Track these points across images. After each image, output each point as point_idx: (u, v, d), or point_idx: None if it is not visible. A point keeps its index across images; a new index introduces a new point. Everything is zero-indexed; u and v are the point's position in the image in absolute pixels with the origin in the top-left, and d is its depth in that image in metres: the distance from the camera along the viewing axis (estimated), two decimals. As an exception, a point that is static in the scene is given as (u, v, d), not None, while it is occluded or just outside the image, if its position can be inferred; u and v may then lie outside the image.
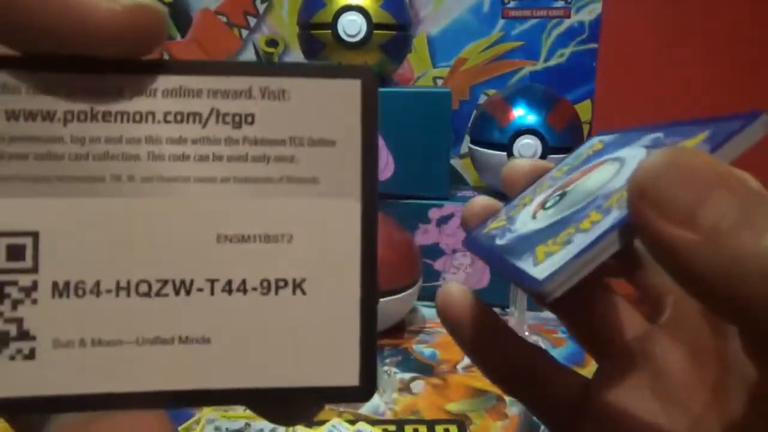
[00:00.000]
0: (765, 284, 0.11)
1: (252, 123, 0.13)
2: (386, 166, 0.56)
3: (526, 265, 0.15)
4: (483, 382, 0.46)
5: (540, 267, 0.15)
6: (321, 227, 0.13)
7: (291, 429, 0.41)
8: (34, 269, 0.12)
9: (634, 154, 0.17)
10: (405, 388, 0.46)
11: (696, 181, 0.12)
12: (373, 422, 0.41)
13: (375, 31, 0.54)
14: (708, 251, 0.11)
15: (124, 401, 0.13)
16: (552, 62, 0.69)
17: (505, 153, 0.55)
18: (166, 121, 0.13)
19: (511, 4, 0.67)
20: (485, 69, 0.70)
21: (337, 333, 0.13)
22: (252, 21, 0.69)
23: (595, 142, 0.20)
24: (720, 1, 0.73)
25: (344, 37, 0.53)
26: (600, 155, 0.18)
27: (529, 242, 0.17)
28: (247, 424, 0.40)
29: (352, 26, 0.53)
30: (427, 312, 0.58)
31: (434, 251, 0.58)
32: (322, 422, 0.41)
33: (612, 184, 0.16)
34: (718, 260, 0.11)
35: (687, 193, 0.12)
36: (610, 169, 0.17)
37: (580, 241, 0.14)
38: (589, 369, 0.19)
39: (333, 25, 0.53)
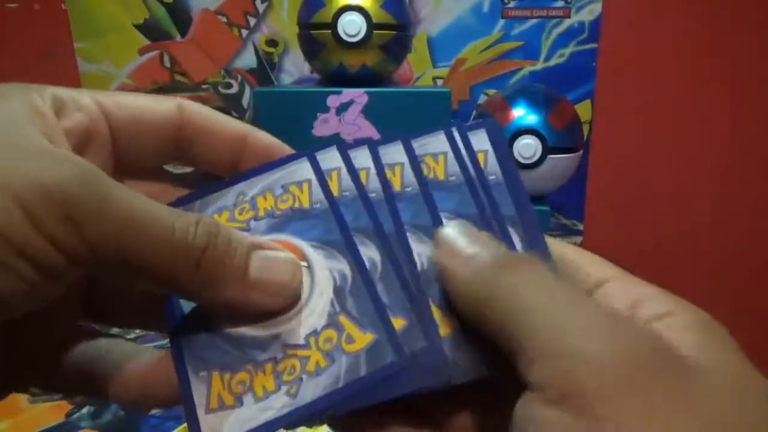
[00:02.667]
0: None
1: None
2: (386, 166, 0.56)
3: (198, 401, 0.16)
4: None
5: (217, 415, 0.16)
6: None
7: (291, 429, 0.40)
8: None
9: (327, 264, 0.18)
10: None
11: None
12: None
13: (375, 31, 0.54)
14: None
15: None
16: (552, 62, 0.69)
17: (505, 153, 0.55)
18: None
19: (511, 4, 0.67)
20: (485, 69, 0.70)
21: None
22: (252, 21, 0.69)
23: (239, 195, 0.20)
24: (720, 1, 0.73)
25: (344, 37, 0.53)
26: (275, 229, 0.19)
27: (207, 347, 0.18)
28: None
29: (352, 26, 0.53)
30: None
31: (434, 251, 0.58)
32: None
33: (315, 307, 0.18)
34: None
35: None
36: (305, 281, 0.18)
37: (287, 402, 0.16)
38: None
39: (333, 25, 0.53)
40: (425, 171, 0.20)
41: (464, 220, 0.19)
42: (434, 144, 0.21)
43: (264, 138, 0.21)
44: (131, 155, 0.19)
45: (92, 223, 0.14)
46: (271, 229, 0.19)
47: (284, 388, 0.16)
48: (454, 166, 0.20)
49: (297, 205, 0.19)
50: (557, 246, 0.20)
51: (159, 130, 0.19)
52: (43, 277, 0.14)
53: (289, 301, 0.17)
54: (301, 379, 0.16)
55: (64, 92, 0.18)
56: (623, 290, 0.17)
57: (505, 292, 0.15)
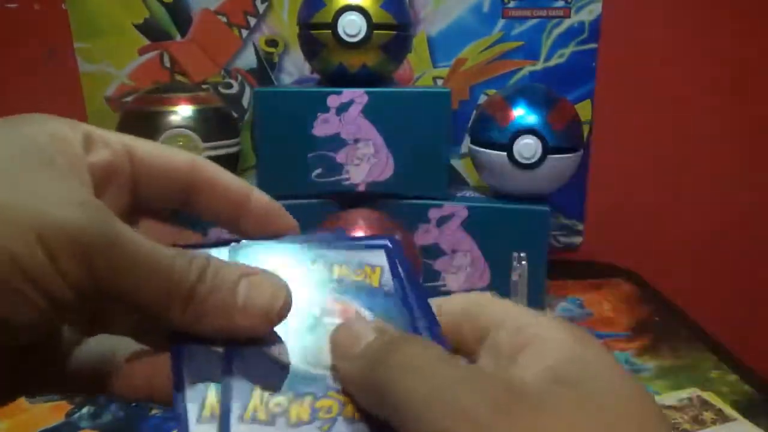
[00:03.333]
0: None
1: None
2: (386, 166, 0.56)
3: (191, 412, 0.17)
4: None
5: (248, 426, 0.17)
6: None
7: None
8: None
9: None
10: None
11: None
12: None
13: (375, 31, 0.54)
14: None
15: None
16: (552, 62, 0.69)
17: (505, 153, 0.55)
18: None
19: (511, 4, 0.67)
20: (485, 69, 0.70)
21: None
22: (252, 21, 0.69)
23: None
24: (721, 1, 0.73)
25: (344, 37, 0.53)
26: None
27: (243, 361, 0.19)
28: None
29: (352, 26, 0.53)
30: (427, 312, 0.58)
31: (434, 251, 0.58)
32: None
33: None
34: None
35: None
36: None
37: None
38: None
39: (333, 25, 0.53)
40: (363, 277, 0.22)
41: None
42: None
43: (263, 198, 0.23)
44: (148, 196, 0.21)
45: (101, 262, 0.16)
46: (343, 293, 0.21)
47: (317, 423, 0.17)
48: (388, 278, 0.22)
49: (368, 281, 0.22)
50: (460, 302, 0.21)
51: (174, 178, 0.21)
52: (52, 308, 0.16)
53: (276, 322, 0.19)
54: (335, 420, 0.17)
55: (95, 130, 0.20)
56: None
57: (388, 379, 0.16)
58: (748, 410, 0.45)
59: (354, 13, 0.53)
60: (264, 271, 0.19)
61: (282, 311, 0.19)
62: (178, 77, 0.70)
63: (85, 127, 0.19)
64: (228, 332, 0.18)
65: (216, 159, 0.55)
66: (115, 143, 0.20)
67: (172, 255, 0.17)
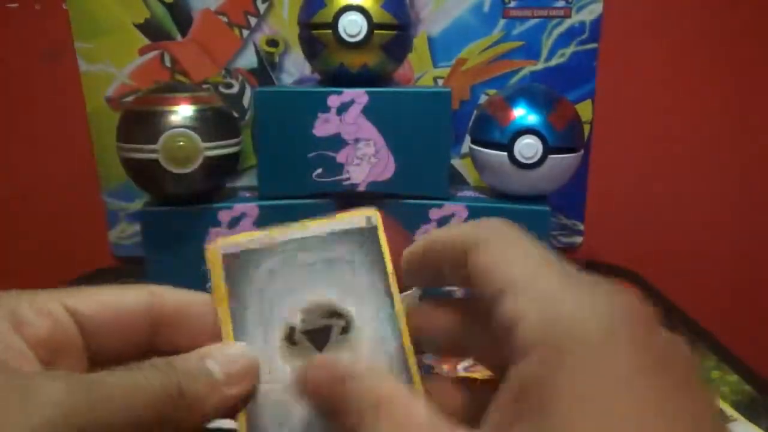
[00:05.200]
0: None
1: None
2: (386, 166, 0.56)
3: None
4: (483, 382, 0.46)
5: None
6: None
7: None
8: None
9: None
10: (405, 388, 0.46)
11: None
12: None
13: (375, 31, 0.54)
14: None
15: None
16: (553, 62, 0.69)
17: (506, 153, 0.55)
18: None
19: (512, 4, 0.67)
20: (486, 69, 0.70)
21: None
22: (252, 21, 0.69)
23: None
24: (721, 1, 0.73)
25: (345, 37, 0.53)
26: None
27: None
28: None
29: (352, 26, 0.53)
30: (428, 312, 0.58)
31: (434, 251, 0.58)
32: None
33: None
34: None
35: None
36: None
37: None
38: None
39: (333, 24, 0.53)
40: None
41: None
42: None
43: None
44: (106, 351, 0.20)
45: (87, 426, 0.16)
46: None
47: None
48: None
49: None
50: (498, 246, 0.20)
51: (131, 324, 0.21)
52: None
53: (256, 374, 0.21)
54: None
55: (24, 304, 0.19)
56: (507, 308, 0.17)
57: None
58: (748, 410, 0.45)
59: (354, 13, 0.53)
60: (220, 343, 0.21)
61: (255, 365, 0.20)
62: (179, 77, 0.70)
63: (13, 307, 0.19)
64: (222, 407, 0.20)
65: (216, 159, 0.55)
66: (55, 311, 0.19)
67: (142, 378, 0.18)
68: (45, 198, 0.74)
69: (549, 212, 0.56)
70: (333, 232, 0.23)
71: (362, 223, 0.23)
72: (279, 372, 0.21)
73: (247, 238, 0.23)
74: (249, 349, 0.21)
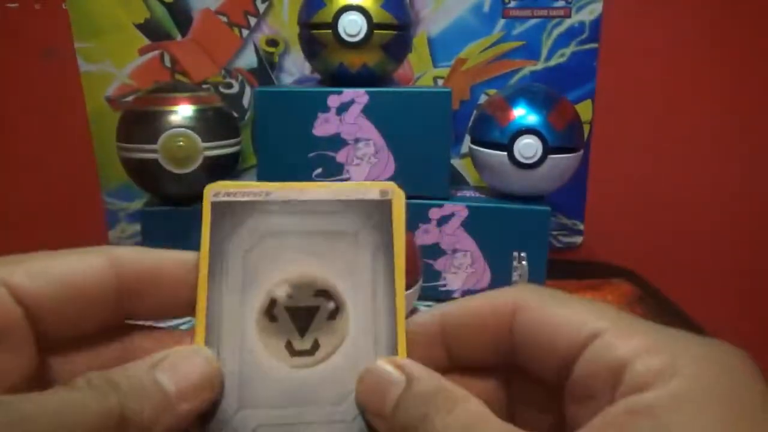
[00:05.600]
0: None
1: None
2: (386, 166, 0.56)
3: None
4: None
5: None
6: None
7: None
8: None
9: None
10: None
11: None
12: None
13: (375, 31, 0.54)
14: None
15: None
16: (552, 62, 0.69)
17: (506, 153, 0.55)
18: None
19: (512, 4, 0.67)
20: (486, 69, 0.70)
21: None
22: (252, 21, 0.69)
23: None
24: (721, 1, 0.73)
25: (345, 37, 0.53)
26: None
27: None
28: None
29: (352, 26, 0.53)
30: (428, 312, 0.58)
31: (434, 251, 0.58)
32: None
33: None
34: None
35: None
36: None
37: None
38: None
39: (333, 24, 0.53)
40: None
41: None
42: None
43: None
44: (62, 331, 0.18)
45: None
46: None
47: None
48: None
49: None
50: (552, 304, 0.18)
51: (88, 299, 0.18)
52: None
53: (219, 386, 0.18)
54: None
55: None
56: (614, 345, 0.16)
57: None
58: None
59: (354, 13, 0.53)
60: (171, 349, 0.18)
61: (219, 373, 0.18)
62: (179, 77, 0.70)
63: None
64: (180, 424, 0.17)
65: (216, 159, 0.56)
66: None
67: (75, 404, 0.15)
68: (45, 198, 0.74)
69: (549, 212, 0.56)
70: (340, 201, 0.20)
71: (375, 195, 0.20)
72: (250, 349, 0.18)
73: (242, 188, 0.20)
74: (210, 353, 0.18)
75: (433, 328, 0.19)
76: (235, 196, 0.20)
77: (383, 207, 0.20)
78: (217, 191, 0.20)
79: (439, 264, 0.58)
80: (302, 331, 0.19)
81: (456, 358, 0.19)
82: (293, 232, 0.20)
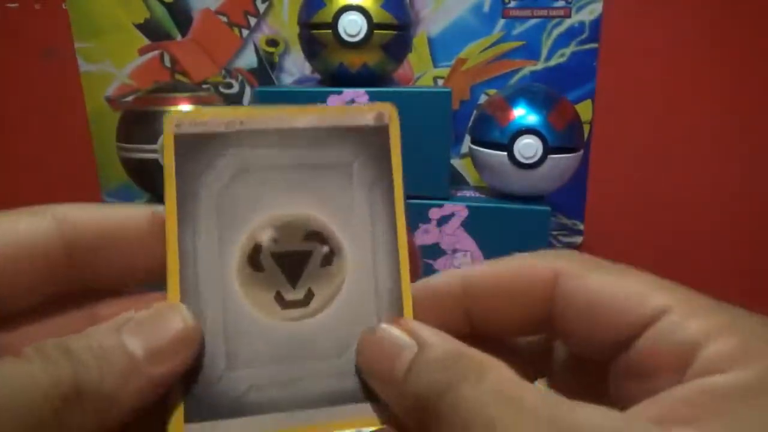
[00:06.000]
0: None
1: None
2: (386, 166, 0.56)
3: None
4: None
5: None
6: None
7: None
8: None
9: None
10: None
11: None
12: (374, 422, 0.41)
13: (375, 31, 0.54)
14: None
15: None
16: (552, 62, 0.69)
17: (506, 153, 0.55)
18: None
19: (512, 4, 0.67)
20: (486, 69, 0.70)
21: None
22: (252, 21, 0.69)
23: None
24: (721, 1, 0.73)
25: (345, 37, 0.53)
26: None
27: None
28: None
29: (352, 26, 0.53)
30: (428, 312, 0.58)
31: (434, 251, 0.58)
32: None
33: None
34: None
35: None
36: None
37: None
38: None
39: (333, 24, 0.53)
40: None
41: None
42: None
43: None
44: (5, 301, 0.16)
45: None
46: None
47: None
48: None
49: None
50: (602, 274, 0.17)
51: (31, 266, 0.16)
52: None
53: (198, 344, 0.16)
54: None
55: None
56: (684, 325, 0.15)
57: (454, 409, 0.14)
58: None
59: (354, 13, 0.53)
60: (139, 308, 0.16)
61: (197, 330, 0.16)
62: (179, 77, 0.70)
63: None
64: (149, 392, 0.15)
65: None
66: None
67: (24, 378, 0.13)
68: (45, 198, 0.74)
69: (549, 212, 0.56)
70: (329, 128, 0.17)
71: (370, 121, 0.18)
72: (234, 303, 0.16)
73: (211, 116, 0.17)
74: (185, 308, 0.16)
75: (453, 291, 0.17)
76: (203, 127, 0.17)
77: (380, 133, 0.18)
78: (180, 121, 0.17)
79: (439, 264, 0.58)
80: (293, 280, 0.17)
81: (479, 327, 0.18)
82: (275, 166, 0.17)
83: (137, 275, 0.17)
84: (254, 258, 0.17)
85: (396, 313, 0.17)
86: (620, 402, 0.15)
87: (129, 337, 0.15)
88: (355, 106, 0.18)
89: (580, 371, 0.18)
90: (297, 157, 0.17)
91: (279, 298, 0.17)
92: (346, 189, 0.17)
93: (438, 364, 0.15)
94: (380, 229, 0.17)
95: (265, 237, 0.17)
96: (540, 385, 0.17)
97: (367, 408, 0.16)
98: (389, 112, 0.18)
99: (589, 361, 0.17)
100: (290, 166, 0.17)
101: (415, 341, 0.15)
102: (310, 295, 0.17)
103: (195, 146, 0.17)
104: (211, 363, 0.16)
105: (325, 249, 0.17)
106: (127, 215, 0.17)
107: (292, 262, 0.17)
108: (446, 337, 0.15)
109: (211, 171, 0.17)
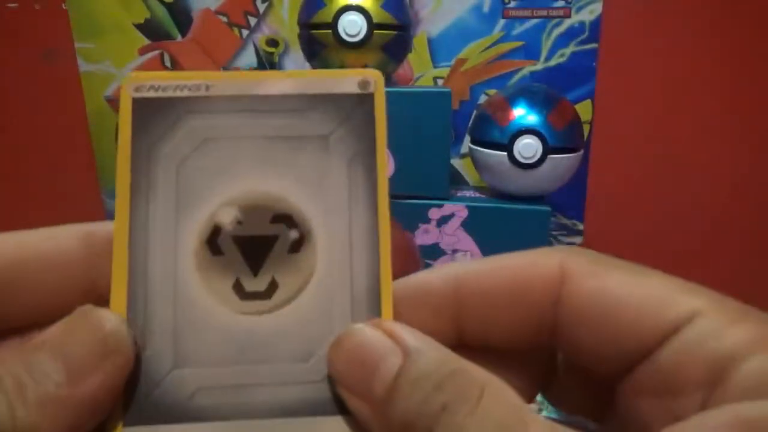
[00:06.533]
0: None
1: None
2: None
3: None
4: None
5: None
6: None
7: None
8: None
9: None
10: (405, 388, 0.45)
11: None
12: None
13: (375, 31, 0.54)
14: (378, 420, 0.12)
15: None
16: (552, 62, 0.69)
17: (506, 153, 0.55)
18: None
19: (512, 4, 0.67)
20: (485, 69, 0.70)
21: None
22: (252, 21, 0.69)
23: None
24: (721, 1, 0.73)
25: (345, 37, 0.53)
26: None
27: None
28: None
29: (352, 26, 0.53)
30: (428, 312, 0.58)
31: (434, 251, 0.58)
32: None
33: None
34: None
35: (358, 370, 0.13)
36: None
37: None
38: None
39: (333, 25, 0.53)
40: None
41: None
42: None
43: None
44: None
45: None
46: None
47: None
48: None
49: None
50: (618, 273, 0.15)
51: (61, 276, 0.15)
52: None
53: (128, 344, 0.14)
54: None
55: None
56: (717, 334, 0.13)
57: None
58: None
59: (354, 13, 0.53)
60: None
61: (123, 331, 0.14)
62: (179, 77, 0.70)
63: None
64: (99, 398, 0.13)
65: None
66: None
67: None
68: (45, 198, 0.74)
69: (549, 212, 0.56)
70: (305, 95, 0.15)
71: (353, 88, 0.16)
72: (187, 291, 0.14)
73: (172, 79, 0.15)
74: (104, 311, 0.14)
75: (442, 291, 0.15)
76: (165, 91, 0.15)
77: (364, 103, 0.16)
78: (139, 84, 0.15)
79: (438, 264, 0.58)
80: (255, 268, 0.15)
81: (470, 335, 0.15)
82: (243, 137, 0.15)
83: (72, 304, 0.15)
84: (213, 240, 0.15)
85: (374, 313, 0.15)
86: (631, 423, 0.14)
87: (40, 360, 0.13)
88: (337, 70, 0.16)
89: (583, 386, 0.16)
90: (268, 128, 0.15)
91: (238, 288, 0.15)
92: (322, 165, 0.15)
93: (429, 381, 0.12)
94: (359, 214, 0.15)
95: (227, 218, 0.15)
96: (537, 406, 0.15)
97: (336, 423, 0.14)
98: (375, 80, 0.16)
99: (596, 374, 0.15)
100: (260, 137, 0.15)
101: (399, 348, 0.13)
102: (273, 287, 0.15)
103: (155, 112, 0.15)
104: (157, 360, 0.14)
105: (294, 234, 0.15)
106: (48, 241, 0.15)
107: (255, 247, 0.15)
108: (436, 345, 0.13)
109: (171, 141, 0.15)
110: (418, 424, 0.12)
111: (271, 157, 0.15)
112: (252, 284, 0.15)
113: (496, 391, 0.12)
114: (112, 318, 0.14)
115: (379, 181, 0.15)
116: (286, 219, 0.15)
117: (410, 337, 0.13)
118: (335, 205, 0.15)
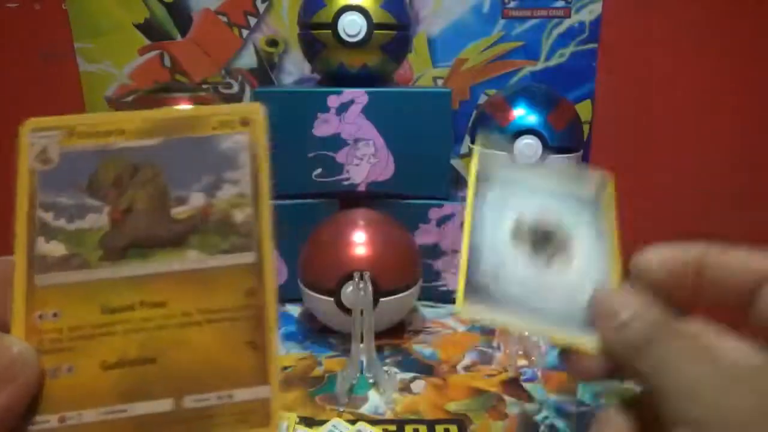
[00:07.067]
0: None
1: None
2: (386, 166, 0.56)
3: None
4: (483, 382, 0.46)
5: None
6: None
7: (292, 429, 0.41)
8: None
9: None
10: (405, 388, 0.46)
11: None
12: (374, 422, 0.41)
13: (375, 31, 0.54)
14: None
15: None
16: (552, 62, 0.69)
17: (506, 153, 0.55)
18: None
19: (512, 4, 0.67)
20: (485, 69, 0.70)
21: None
22: (252, 21, 0.69)
23: None
24: (721, 2, 0.73)
25: (344, 37, 0.53)
26: None
27: None
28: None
29: (352, 26, 0.53)
30: (428, 312, 0.58)
31: (434, 251, 0.58)
32: (322, 422, 0.41)
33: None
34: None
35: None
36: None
37: None
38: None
39: (333, 25, 0.53)
40: None
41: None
42: None
43: None
44: None
45: None
46: None
47: None
48: None
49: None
50: (700, 247, 0.21)
51: None
52: None
53: (34, 367, 0.15)
54: None
55: None
56: None
57: (653, 366, 0.18)
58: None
59: (354, 13, 0.53)
60: None
61: (28, 353, 0.15)
62: (178, 77, 0.70)
63: None
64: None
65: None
66: None
67: None
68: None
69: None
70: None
71: (591, 190, 0.26)
72: (505, 251, 0.24)
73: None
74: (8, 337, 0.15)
75: (691, 262, 0.22)
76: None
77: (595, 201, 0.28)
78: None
79: (439, 264, 0.58)
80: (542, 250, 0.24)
81: (706, 299, 0.22)
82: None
83: None
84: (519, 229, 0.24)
85: (615, 281, 0.23)
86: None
87: None
88: (581, 173, 0.27)
89: None
90: None
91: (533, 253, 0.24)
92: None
93: (647, 323, 0.19)
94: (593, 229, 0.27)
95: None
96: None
97: (586, 336, 0.21)
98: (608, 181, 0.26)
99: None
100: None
101: (633, 306, 0.20)
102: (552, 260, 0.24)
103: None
104: (484, 275, 0.23)
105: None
106: None
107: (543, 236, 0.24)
108: (656, 307, 0.20)
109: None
110: (636, 346, 0.19)
111: None
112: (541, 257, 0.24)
113: (695, 328, 0.22)
114: (17, 342, 0.15)
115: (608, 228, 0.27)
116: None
117: (639, 300, 0.21)
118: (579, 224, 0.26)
